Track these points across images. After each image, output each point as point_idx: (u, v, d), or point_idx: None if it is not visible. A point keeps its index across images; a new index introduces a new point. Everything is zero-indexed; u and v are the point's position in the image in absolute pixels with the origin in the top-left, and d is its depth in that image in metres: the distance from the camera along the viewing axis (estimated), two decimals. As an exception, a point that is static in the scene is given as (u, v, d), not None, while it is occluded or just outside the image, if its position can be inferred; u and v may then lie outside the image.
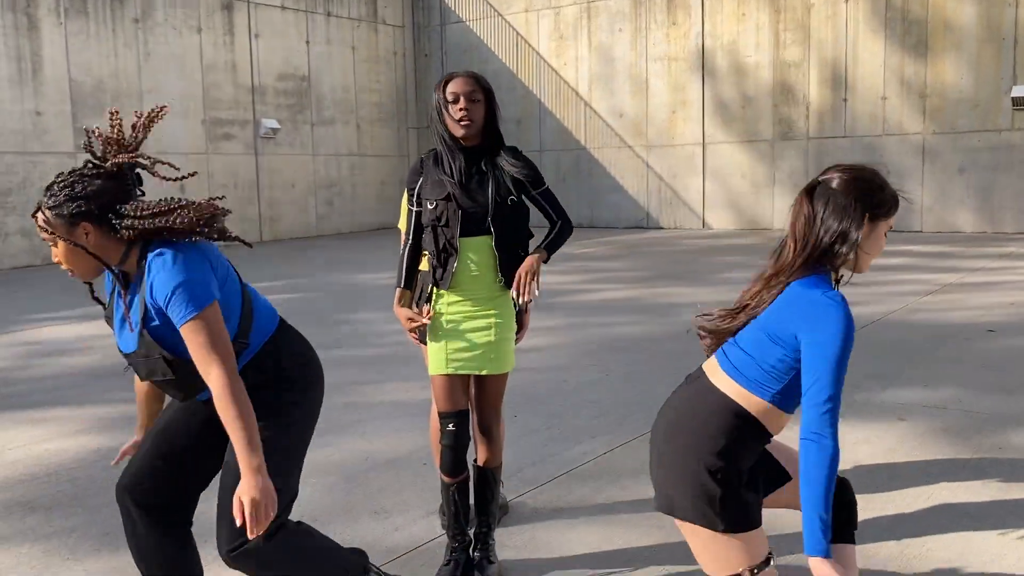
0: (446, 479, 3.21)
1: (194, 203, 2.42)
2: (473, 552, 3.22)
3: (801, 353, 2.15)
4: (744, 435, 2.22)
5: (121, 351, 2.46)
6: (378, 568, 2.85)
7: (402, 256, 3.31)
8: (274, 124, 17.71)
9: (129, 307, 2.39)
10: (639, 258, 13.16)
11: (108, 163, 2.40)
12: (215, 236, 2.41)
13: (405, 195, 3.37)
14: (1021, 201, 14.79)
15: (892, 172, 15.66)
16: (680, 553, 3.36)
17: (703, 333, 2.46)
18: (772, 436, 2.28)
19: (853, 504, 2.41)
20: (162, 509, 2.56)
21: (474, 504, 3.33)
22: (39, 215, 2.40)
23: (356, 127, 19.57)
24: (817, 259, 2.25)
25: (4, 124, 14.10)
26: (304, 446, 2.63)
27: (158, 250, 2.33)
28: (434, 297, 3.22)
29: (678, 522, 2.27)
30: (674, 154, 17.77)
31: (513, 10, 19.40)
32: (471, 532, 3.29)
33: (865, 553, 3.27)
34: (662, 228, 17.98)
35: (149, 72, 15.90)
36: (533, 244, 3.33)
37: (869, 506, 3.70)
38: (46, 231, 2.38)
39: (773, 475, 2.38)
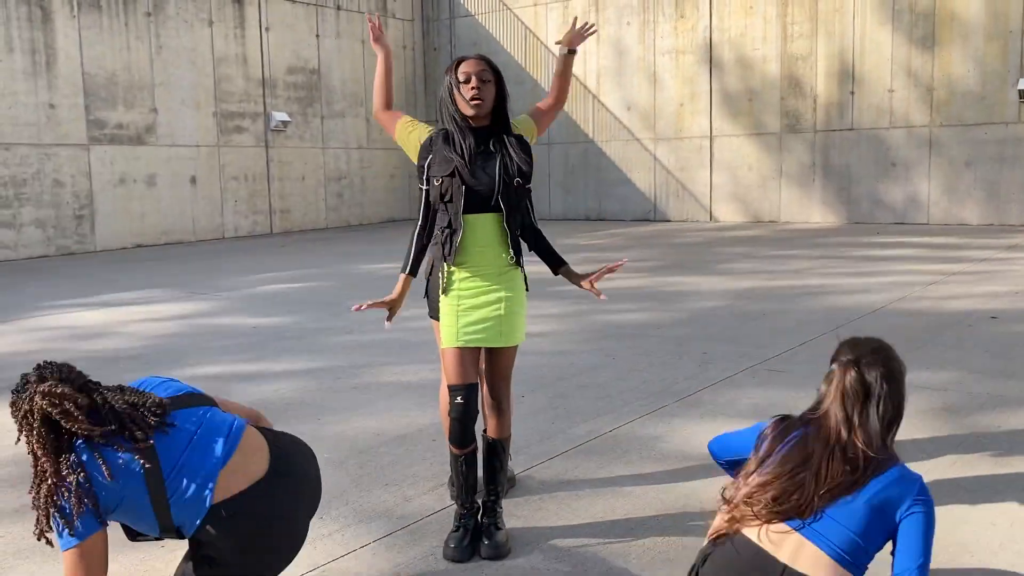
0: (455, 450, 3.32)
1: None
2: (481, 519, 3.34)
3: (902, 527, 2.28)
4: None
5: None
6: None
7: (412, 235, 3.38)
8: (284, 117, 17.84)
9: None
10: (646, 249, 13.25)
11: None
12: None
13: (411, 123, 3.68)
14: (1028, 193, 14.83)
15: (899, 164, 15.73)
16: (681, 524, 3.47)
17: (743, 513, 2.37)
18: None
19: None
20: None
21: (483, 474, 3.44)
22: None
23: (366, 120, 19.68)
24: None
25: (18, 116, 14.26)
26: None
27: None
28: (445, 272, 3.33)
29: None
30: (682, 147, 17.84)
31: (522, 4, 19.48)
32: (479, 501, 3.41)
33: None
34: (669, 220, 18.06)
35: (161, 65, 16.05)
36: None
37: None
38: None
39: None
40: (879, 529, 2.28)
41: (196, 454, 2.43)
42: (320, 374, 6.04)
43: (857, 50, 15.95)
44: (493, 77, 3.28)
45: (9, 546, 3.47)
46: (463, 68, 3.25)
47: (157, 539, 2.52)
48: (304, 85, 18.44)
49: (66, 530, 2.30)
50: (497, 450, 3.39)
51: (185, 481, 2.39)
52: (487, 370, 3.41)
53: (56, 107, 14.70)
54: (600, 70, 18.61)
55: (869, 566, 2.31)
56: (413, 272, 3.38)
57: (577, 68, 18.90)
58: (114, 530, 2.53)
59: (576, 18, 4.01)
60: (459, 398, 3.23)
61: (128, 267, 12.87)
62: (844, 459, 2.33)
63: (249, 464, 2.48)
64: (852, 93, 16.04)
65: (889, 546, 2.33)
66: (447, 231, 3.25)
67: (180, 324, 8.14)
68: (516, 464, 4.13)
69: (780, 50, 16.65)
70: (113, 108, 15.41)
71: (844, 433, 2.36)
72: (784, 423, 2.50)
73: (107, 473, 2.31)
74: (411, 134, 3.68)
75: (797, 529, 2.28)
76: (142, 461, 2.34)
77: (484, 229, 3.26)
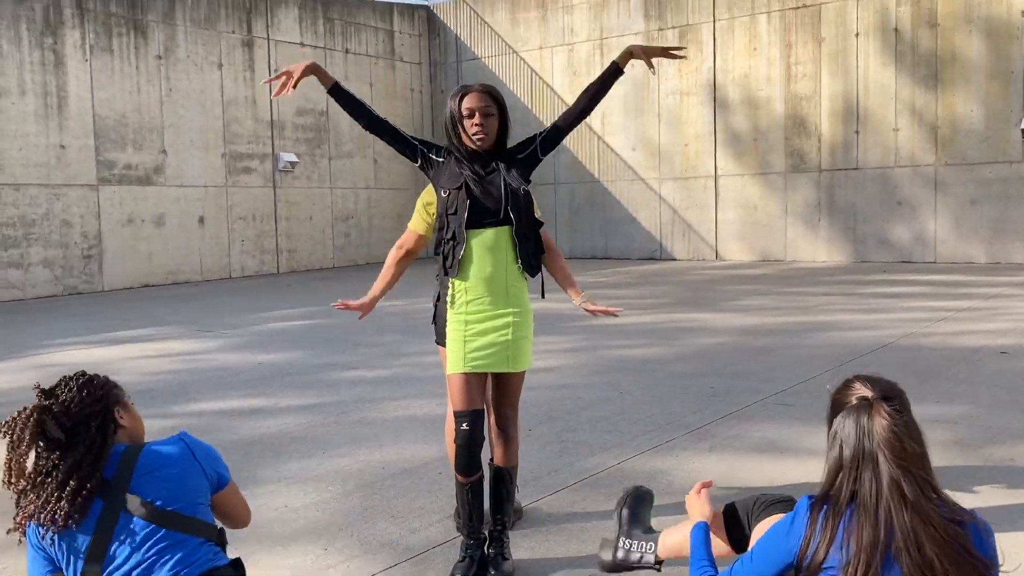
0: (460, 479, 3.28)
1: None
2: (488, 549, 3.29)
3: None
4: None
5: None
6: None
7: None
8: (292, 158, 17.99)
9: None
10: (652, 286, 13.24)
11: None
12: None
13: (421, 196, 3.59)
14: (1035, 231, 14.83)
15: (904, 203, 15.76)
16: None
17: None
18: None
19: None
20: None
21: (489, 503, 3.40)
22: None
23: (373, 161, 19.84)
24: None
25: (29, 157, 14.40)
26: None
27: None
28: (452, 295, 3.32)
29: None
30: (687, 186, 17.91)
31: (528, 47, 19.72)
32: (486, 531, 3.36)
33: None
34: (676, 259, 18.07)
35: (170, 107, 16.23)
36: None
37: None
38: None
39: None
40: None
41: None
42: (325, 409, 6.01)
43: (861, 90, 16.06)
44: (496, 110, 3.31)
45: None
46: (467, 103, 3.28)
47: None
48: (312, 127, 18.62)
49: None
50: (504, 478, 3.36)
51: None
52: (494, 396, 3.38)
53: (66, 148, 14.84)
54: (605, 111, 18.76)
55: None
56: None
57: (582, 109, 19.05)
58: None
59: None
60: (465, 424, 3.20)
61: (135, 306, 12.89)
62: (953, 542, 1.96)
63: None
64: (857, 132, 16.13)
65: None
66: (450, 243, 3.25)
67: (185, 360, 8.13)
68: (523, 496, 4.09)
69: (784, 90, 16.78)
70: (123, 149, 15.56)
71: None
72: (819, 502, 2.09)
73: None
74: (422, 218, 3.70)
75: None
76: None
77: (490, 243, 3.25)
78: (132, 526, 2.20)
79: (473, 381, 3.24)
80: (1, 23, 14.17)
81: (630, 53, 3.53)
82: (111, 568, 2.19)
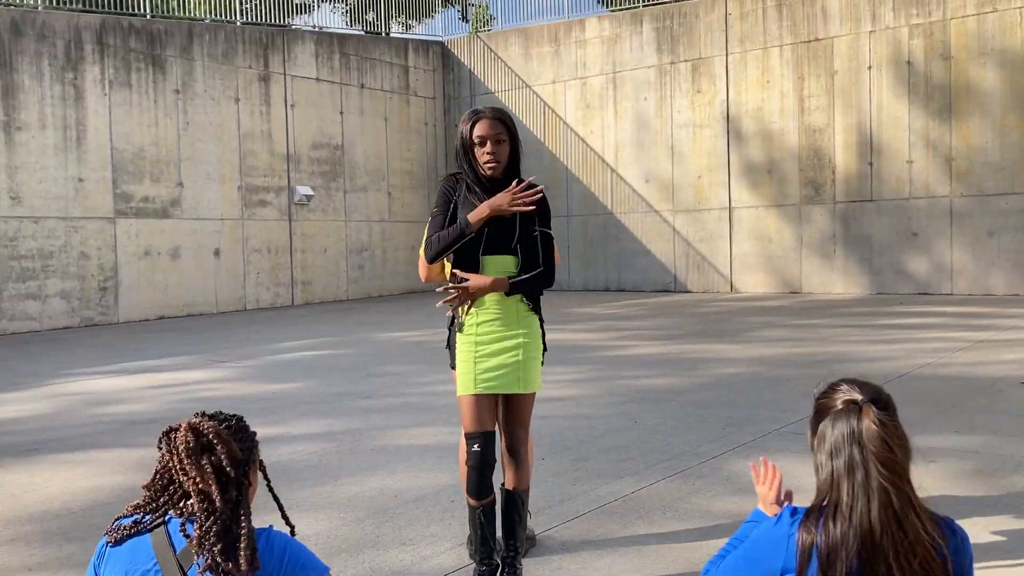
0: (472, 502, 3.25)
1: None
2: (501, 575, 3.24)
3: None
4: None
5: None
6: None
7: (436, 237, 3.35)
8: (308, 191, 18.11)
9: None
10: (667, 317, 13.18)
11: None
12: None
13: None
14: (1053, 263, 14.70)
15: (921, 235, 15.68)
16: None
17: None
18: None
19: None
20: None
21: (501, 528, 3.36)
22: None
23: (388, 194, 19.95)
24: None
25: (48, 190, 14.55)
26: None
27: None
28: (464, 318, 3.31)
29: None
30: (701, 218, 17.90)
31: (541, 81, 19.86)
32: (498, 557, 3.31)
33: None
34: (690, 291, 18.01)
35: (188, 140, 16.39)
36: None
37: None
38: None
39: None
40: None
41: None
42: (338, 437, 5.98)
43: (875, 122, 16.07)
44: (508, 136, 3.32)
45: (19, 603, 3.40)
46: (479, 131, 3.29)
47: None
48: (328, 160, 18.76)
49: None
50: (516, 502, 3.31)
51: None
52: (505, 418, 3.35)
53: (84, 181, 15.00)
54: (619, 144, 18.83)
55: None
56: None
57: (596, 142, 19.15)
58: None
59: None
60: (476, 445, 3.17)
61: (150, 337, 12.93)
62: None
63: None
64: (871, 164, 16.11)
65: None
66: (463, 267, 3.26)
67: (199, 390, 8.12)
68: (536, 524, 4.03)
69: (798, 122, 16.81)
70: (140, 182, 15.71)
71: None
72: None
73: None
74: None
75: None
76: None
77: (503, 270, 3.27)
78: None
79: (483, 402, 3.23)
80: (23, 59, 14.40)
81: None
82: None
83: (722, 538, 3.80)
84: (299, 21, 22.94)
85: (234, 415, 2.04)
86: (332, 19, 26.18)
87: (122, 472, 5.26)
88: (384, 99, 20.01)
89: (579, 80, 19.36)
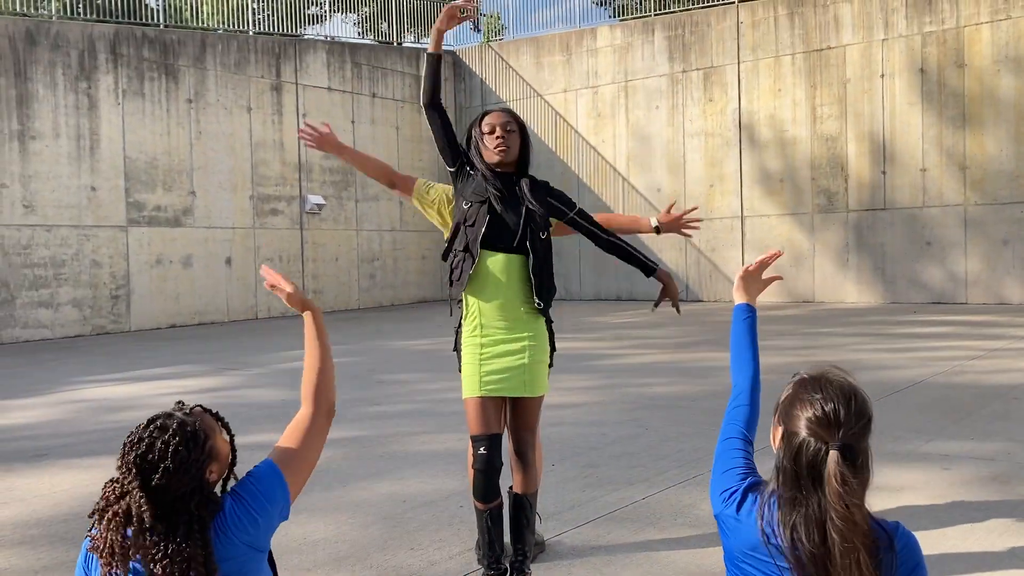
0: (479, 505, 3.21)
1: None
2: (509, 580, 3.20)
3: None
4: None
5: None
6: None
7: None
8: (320, 200, 18.15)
9: None
10: (678, 326, 13.11)
11: None
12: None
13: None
14: (1068, 272, 14.57)
15: (934, 243, 15.57)
16: (719, 587, 3.30)
17: None
18: None
19: None
20: None
21: (509, 532, 3.32)
22: None
23: (399, 203, 19.96)
24: None
25: (61, 199, 14.62)
26: None
27: None
28: (466, 320, 3.28)
29: None
30: (712, 227, 17.83)
31: (552, 91, 19.87)
32: (506, 562, 3.27)
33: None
34: (702, 300, 17.93)
35: (200, 149, 16.46)
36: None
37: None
38: None
39: None
40: None
41: None
42: (347, 443, 5.95)
43: (887, 130, 15.99)
44: (517, 127, 3.30)
45: (24, 606, 3.38)
46: (487, 121, 3.29)
47: None
48: (339, 169, 18.79)
49: None
50: (523, 505, 3.28)
51: None
52: (511, 421, 3.32)
53: (97, 190, 15.06)
54: (630, 153, 18.81)
55: None
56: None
57: (608, 151, 19.13)
58: None
59: (674, 203, 4.03)
60: (482, 448, 3.14)
61: (161, 345, 12.95)
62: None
63: None
64: (884, 173, 16.02)
65: None
66: (461, 254, 3.22)
67: (209, 397, 8.11)
68: (546, 530, 3.99)
69: (810, 131, 16.74)
70: (152, 191, 15.78)
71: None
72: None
73: None
74: (430, 190, 3.69)
75: None
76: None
77: (503, 268, 3.22)
78: None
79: (489, 405, 3.19)
80: (37, 69, 14.50)
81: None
82: None
83: (734, 544, 3.75)
84: (311, 31, 23.03)
85: (184, 421, 1.93)
86: (344, 30, 26.28)
87: (130, 477, 5.24)
88: (396, 108, 20.05)
89: (591, 89, 19.35)
